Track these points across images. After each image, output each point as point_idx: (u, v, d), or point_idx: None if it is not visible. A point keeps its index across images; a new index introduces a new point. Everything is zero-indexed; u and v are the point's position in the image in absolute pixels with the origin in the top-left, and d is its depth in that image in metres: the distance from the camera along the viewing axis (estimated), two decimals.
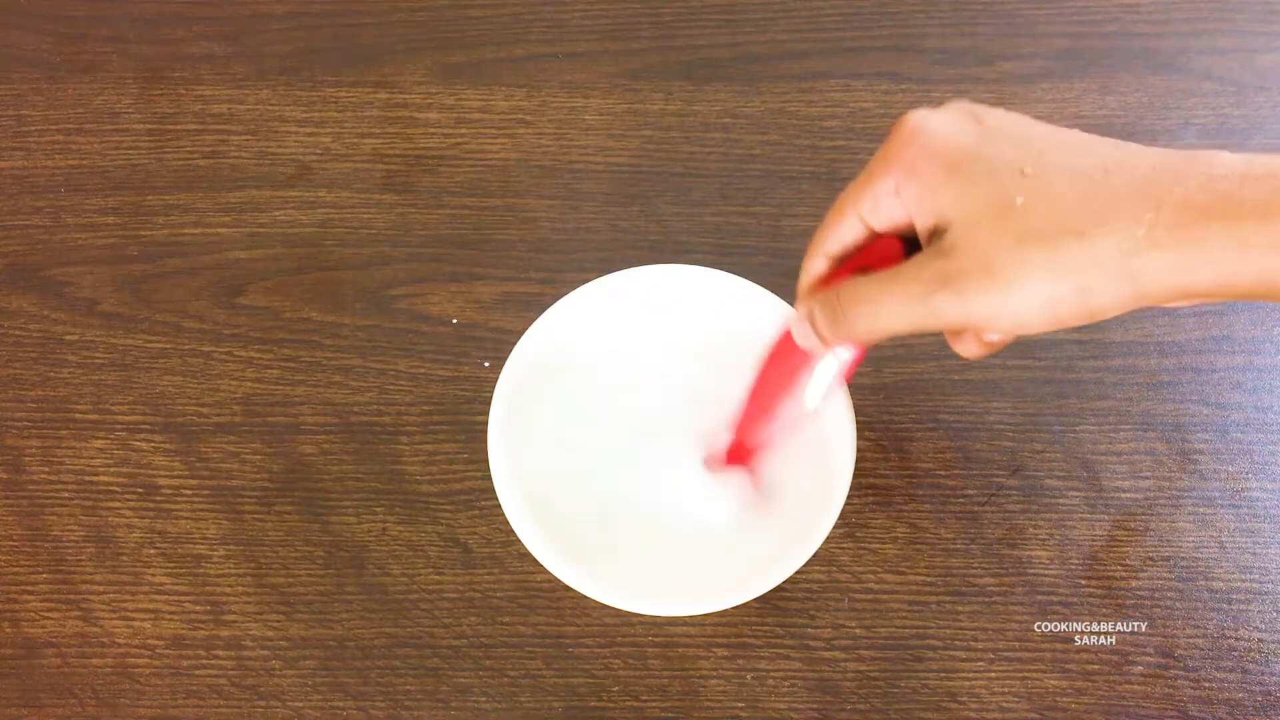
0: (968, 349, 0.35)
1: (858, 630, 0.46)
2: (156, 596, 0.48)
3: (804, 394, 0.38)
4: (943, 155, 0.31)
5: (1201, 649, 0.46)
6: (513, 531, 0.42)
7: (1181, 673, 0.45)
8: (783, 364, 0.38)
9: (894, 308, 0.32)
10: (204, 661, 0.47)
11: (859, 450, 0.42)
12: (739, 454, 0.43)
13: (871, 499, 0.48)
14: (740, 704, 0.46)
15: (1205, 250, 0.28)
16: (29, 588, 0.48)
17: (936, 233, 0.31)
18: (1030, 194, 0.29)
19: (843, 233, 0.34)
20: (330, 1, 0.59)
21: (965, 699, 0.45)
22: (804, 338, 0.36)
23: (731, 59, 0.57)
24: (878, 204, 0.33)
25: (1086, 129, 0.55)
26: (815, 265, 0.36)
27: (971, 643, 0.46)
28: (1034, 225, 0.29)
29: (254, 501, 0.49)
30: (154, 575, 0.48)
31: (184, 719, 0.46)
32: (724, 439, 0.43)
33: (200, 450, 0.50)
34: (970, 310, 0.30)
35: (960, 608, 0.47)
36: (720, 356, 0.44)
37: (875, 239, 0.34)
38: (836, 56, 0.56)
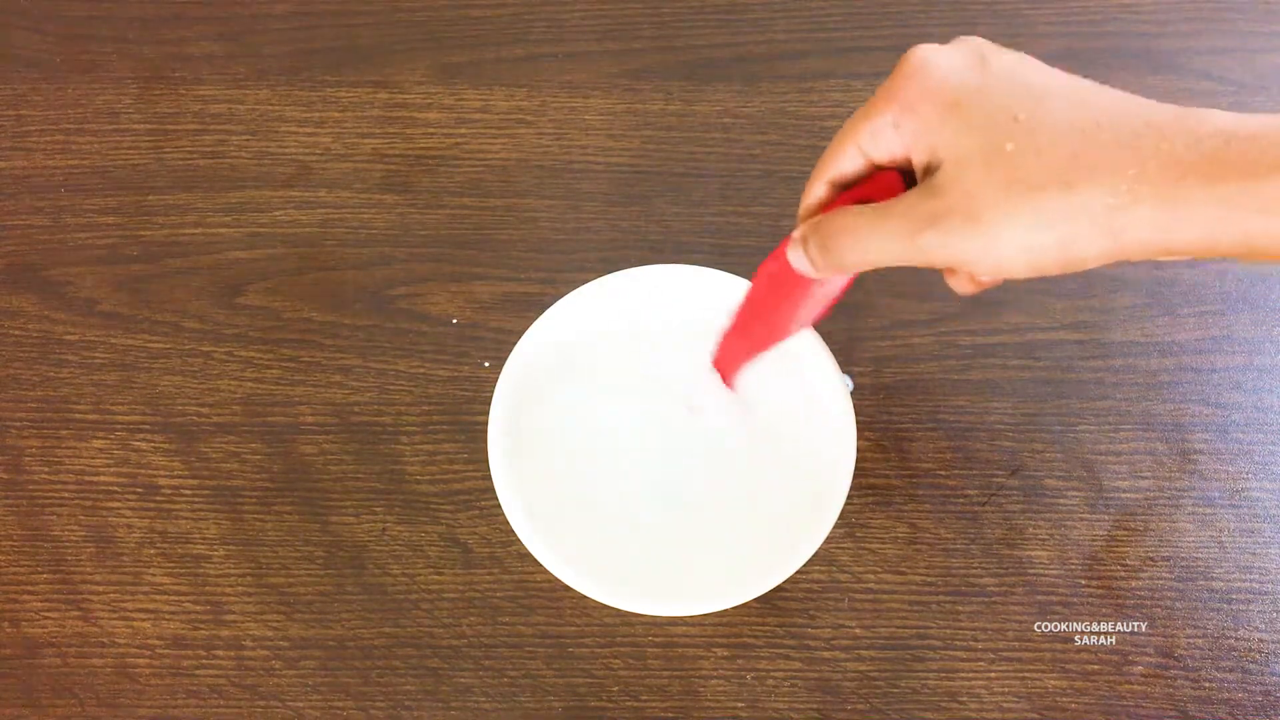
0: (961, 285, 0.36)
1: (858, 630, 0.46)
2: (156, 596, 0.48)
3: (793, 315, 0.39)
4: (942, 94, 0.32)
5: (1201, 649, 0.46)
6: (513, 531, 0.42)
7: (1181, 673, 0.45)
8: (776, 283, 0.39)
9: (881, 241, 0.33)
10: (204, 661, 0.47)
11: (859, 450, 0.42)
12: (724, 363, 0.43)
13: (871, 499, 0.48)
14: (740, 704, 0.46)
15: (1187, 208, 0.28)
16: (29, 588, 0.48)
17: (929, 170, 0.32)
18: (1021, 141, 0.30)
19: (843, 162, 0.35)
20: (330, 1, 0.59)
21: (965, 699, 0.45)
22: (798, 260, 0.37)
23: (731, 59, 0.57)
24: (877, 136, 0.33)
25: None
26: (816, 190, 0.36)
27: (971, 643, 0.46)
28: (1021, 173, 0.30)
29: (254, 501, 0.49)
30: (154, 575, 0.48)
31: (184, 719, 0.46)
32: (713, 348, 0.43)
33: (200, 450, 0.50)
34: (953, 251, 0.31)
35: (960, 608, 0.47)
36: None
37: (876, 171, 0.35)
38: (836, 56, 0.56)
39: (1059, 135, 0.30)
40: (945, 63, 0.32)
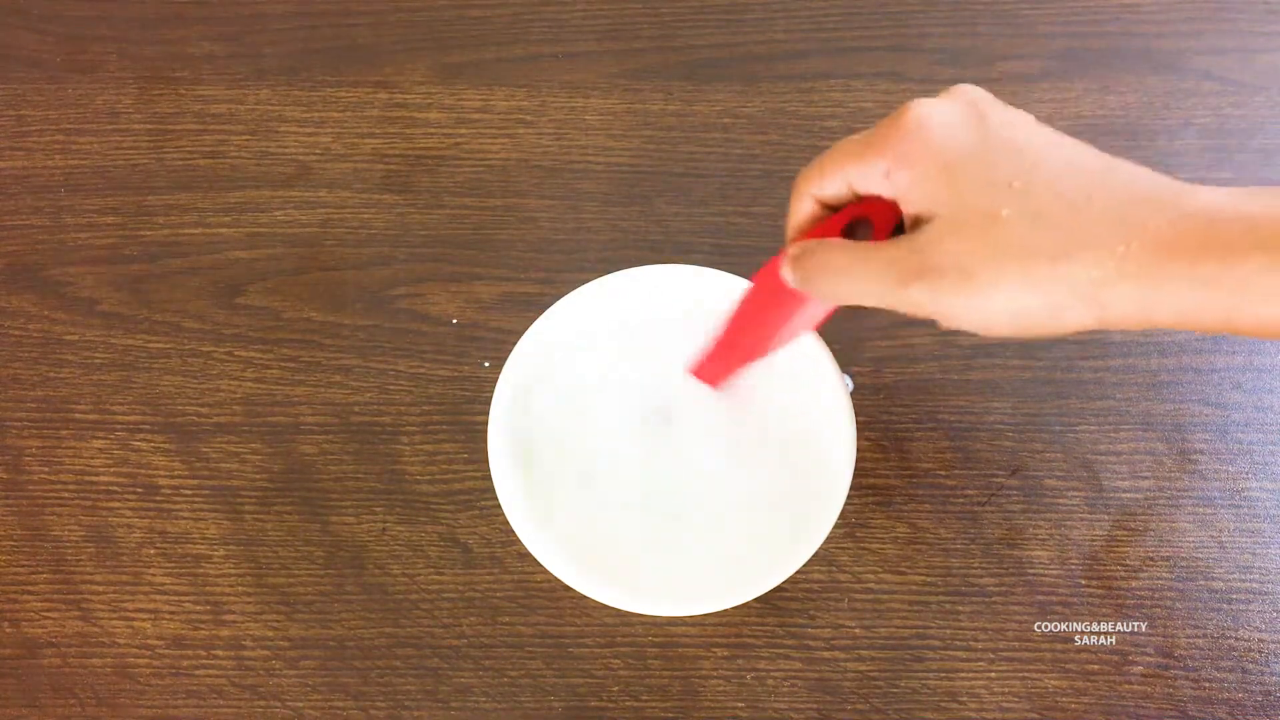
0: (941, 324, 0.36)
1: (858, 630, 0.46)
2: (156, 596, 0.48)
3: (784, 328, 0.39)
4: (942, 153, 0.32)
5: (1201, 649, 0.46)
6: (513, 531, 0.42)
7: (1181, 673, 0.45)
8: (768, 296, 0.39)
9: (868, 285, 0.33)
10: (204, 661, 0.47)
11: (859, 450, 0.42)
12: (708, 372, 0.44)
13: (871, 499, 0.48)
14: (740, 704, 0.46)
15: (1170, 287, 0.29)
16: (29, 588, 0.48)
17: (920, 221, 0.32)
18: (1016, 208, 0.30)
19: (828, 186, 0.36)
20: (330, 1, 0.59)
21: (965, 699, 0.45)
22: (787, 274, 0.37)
23: (731, 59, 0.57)
24: (866, 179, 0.34)
25: (1086, 129, 0.55)
26: (803, 205, 0.37)
27: (971, 643, 0.46)
28: (1014, 240, 0.30)
29: (254, 501, 0.49)
30: (154, 575, 0.48)
31: (184, 719, 0.46)
32: (702, 354, 0.43)
33: (200, 450, 0.50)
34: (941, 306, 0.32)
35: (960, 608, 0.47)
36: None
37: (878, 199, 0.35)
38: (836, 56, 0.56)
39: (1052, 206, 0.30)
40: (945, 119, 0.33)
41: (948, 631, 0.46)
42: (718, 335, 0.42)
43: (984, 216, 0.31)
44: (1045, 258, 0.30)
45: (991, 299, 0.31)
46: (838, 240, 0.35)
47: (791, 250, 0.36)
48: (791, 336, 0.40)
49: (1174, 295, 0.29)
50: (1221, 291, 0.29)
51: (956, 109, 0.33)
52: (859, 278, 0.33)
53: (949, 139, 0.32)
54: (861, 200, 0.36)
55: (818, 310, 0.38)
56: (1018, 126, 0.33)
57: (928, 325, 0.51)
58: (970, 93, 0.34)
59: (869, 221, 0.36)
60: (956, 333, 0.50)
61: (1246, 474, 0.48)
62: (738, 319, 0.41)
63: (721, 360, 0.43)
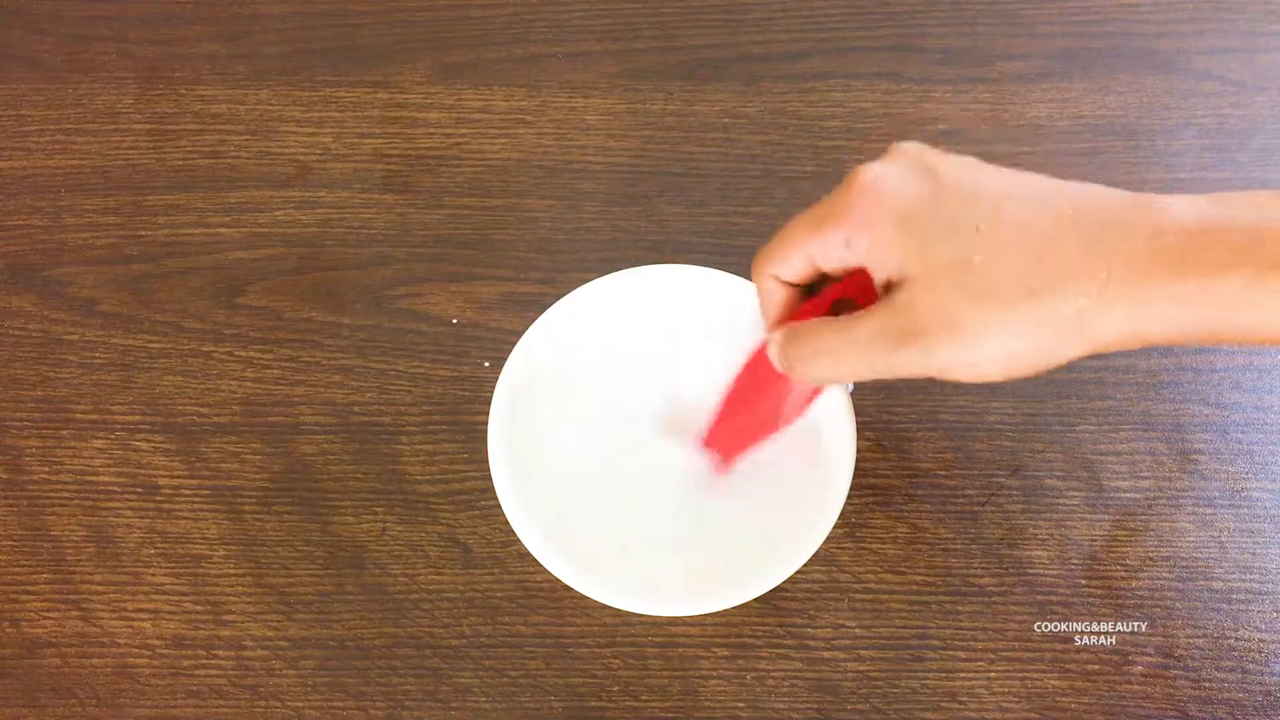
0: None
1: (858, 630, 0.46)
2: (156, 596, 0.48)
3: (777, 409, 0.39)
4: (897, 210, 0.32)
5: (1201, 649, 0.46)
6: (513, 531, 0.42)
7: (1181, 673, 0.45)
8: (760, 379, 0.39)
9: (857, 362, 0.33)
10: (204, 661, 0.47)
11: (859, 450, 0.42)
12: (718, 447, 0.43)
13: (871, 499, 0.48)
14: (740, 704, 0.46)
15: (1153, 307, 0.29)
16: (29, 588, 0.48)
17: (891, 286, 0.32)
18: (986, 252, 0.30)
19: (791, 265, 0.35)
20: (330, 1, 0.59)
21: (965, 699, 0.45)
22: (777, 361, 0.37)
23: (731, 59, 0.57)
24: (827, 252, 0.34)
25: (1086, 129, 0.55)
26: (769, 288, 0.36)
27: (971, 643, 0.46)
28: (991, 284, 0.30)
29: (254, 501, 0.49)
30: (154, 575, 0.48)
31: (184, 719, 0.46)
32: (701, 431, 0.43)
33: (200, 450, 0.50)
34: (932, 364, 0.31)
35: (960, 608, 0.47)
36: (720, 357, 0.44)
37: (854, 272, 0.35)
38: (836, 56, 0.56)
39: (1023, 243, 0.30)
40: (894, 180, 0.32)
41: (948, 631, 0.46)
42: (718, 416, 0.42)
43: (955, 266, 0.30)
44: (1025, 297, 0.30)
45: (979, 347, 0.30)
46: (817, 321, 0.34)
47: (775, 339, 0.36)
48: (796, 413, 0.39)
49: (1159, 315, 0.29)
50: (1205, 308, 0.29)
51: (901, 167, 0.33)
52: (848, 356, 0.33)
53: (903, 195, 0.32)
54: (842, 279, 0.35)
55: (815, 388, 0.38)
56: (968, 171, 0.32)
57: None
58: (912, 149, 0.33)
59: (853, 301, 0.35)
60: None
61: (1246, 474, 0.48)
62: (735, 399, 0.41)
63: (727, 442, 0.43)
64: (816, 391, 0.39)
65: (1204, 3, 0.56)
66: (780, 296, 0.36)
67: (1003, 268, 0.30)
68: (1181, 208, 0.30)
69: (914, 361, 0.32)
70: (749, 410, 0.40)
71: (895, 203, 0.32)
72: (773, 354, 0.36)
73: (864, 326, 0.32)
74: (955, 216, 0.31)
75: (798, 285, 0.36)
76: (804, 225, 0.34)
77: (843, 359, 0.33)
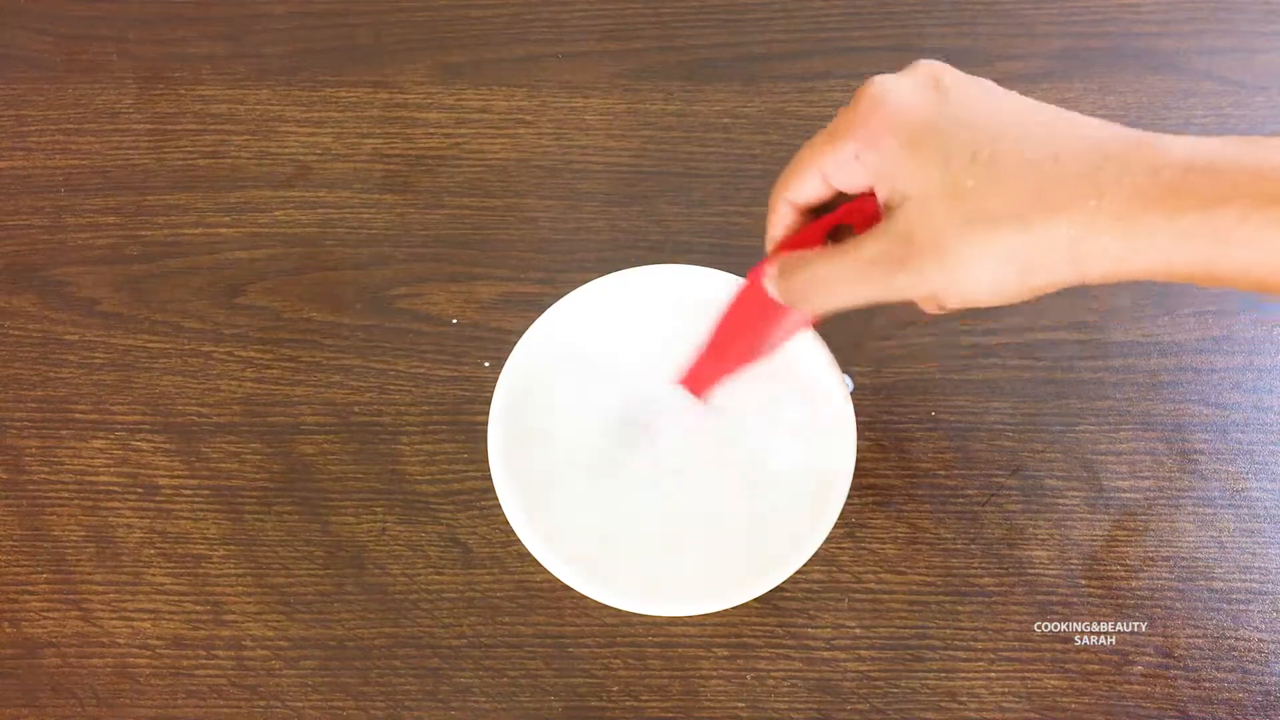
0: (928, 308, 0.37)
1: (858, 630, 0.46)
2: (156, 596, 0.48)
3: (771, 335, 0.40)
4: (903, 128, 0.32)
5: (1201, 649, 0.46)
6: (513, 531, 0.42)
7: (1181, 673, 0.45)
8: (753, 306, 0.39)
9: (854, 288, 0.34)
10: (204, 661, 0.47)
11: (859, 450, 0.42)
12: (697, 381, 0.43)
13: (871, 499, 0.48)
14: (740, 704, 0.46)
15: (1146, 238, 0.29)
16: (29, 588, 0.48)
17: (890, 206, 0.33)
18: (981, 178, 0.30)
19: (805, 186, 0.36)
20: (330, 1, 0.59)
21: (965, 699, 0.45)
22: (773, 290, 0.37)
23: (731, 59, 0.57)
24: (840, 167, 0.34)
25: None
26: (781, 212, 0.37)
27: (971, 643, 0.46)
28: (983, 210, 0.30)
29: (254, 501, 0.49)
30: (154, 575, 0.48)
31: (184, 719, 0.46)
32: (689, 365, 0.43)
33: (200, 450, 0.50)
34: (925, 287, 0.32)
35: (960, 608, 0.47)
36: None
37: (858, 199, 0.35)
38: (836, 56, 0.56)
39: (1019, 171, 0.30)
40: (904, 94, 0.32)
41: (948, 631, 0.46)
42: (705, 345, 0.42)
43: (950, 189, 0.31)
44: (1017, 223, 0.30)
45: (968, 271, 0.31)
46: (816, 250, 0.35)
47: (774, 267, 0.36)
48: (782, 341, 0.40)
49: (1153, 247, 0.29)
50: (1201, 242, 0.28)
51: (914, 82, 0.33)
52: (846, 284, 0.34)
53: (908, 113, 0.32)
54: (838, 207, 0.36)
55: (805, 316, 0.38)
56: (977, 94, 0.32)
57: (928, 325, 0.51)
58: (928, 66, 0.34)
59: (849, 227, 0.36)
60: (957, 333, 0.50)
61: (1246, 474, 0.48)
62: (724, 329, 0.41)
63: (709, 369, 0.43)
64: (803, 320, 0.39)
65: (1204, 3, 0.56)
66: (790, 222, 0.37)
67: (995, 195, 0.30)
68: (1182, 143, 0.29)
69: (908, 285, 0.32)
70: (733, 341, 0.41)
71: (902, 119, 0.32)
72: (769, 285, 0.37)
73: (862, 252, 0.33)
74: (957, 140, 0.31)
75: (808, 213, 0.37)
76: (818, 143, 0.34)
77: (840, 287, 0.34)
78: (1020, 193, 0.30)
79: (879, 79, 0.33)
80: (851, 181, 0.34)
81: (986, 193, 0.30)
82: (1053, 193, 0.30)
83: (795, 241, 0.37)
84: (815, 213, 0.37)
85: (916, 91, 0.32)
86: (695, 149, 0.55)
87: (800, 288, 0.35)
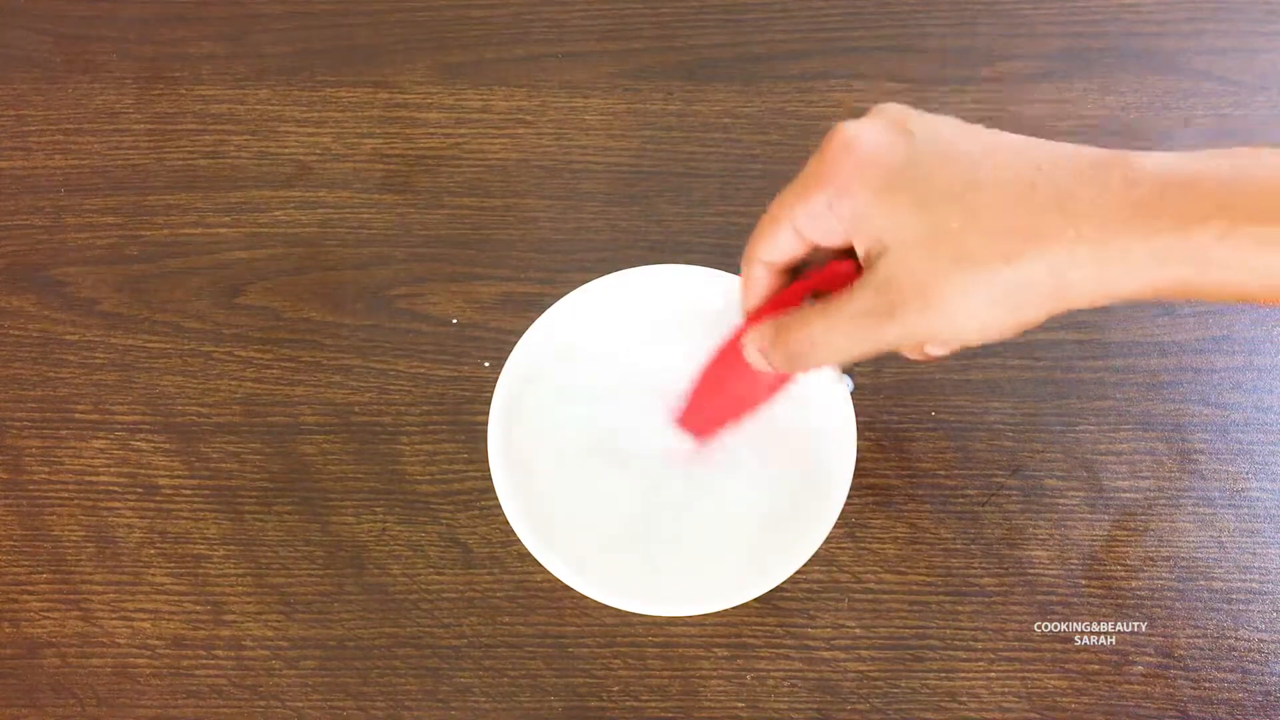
0: (913, 354, 0.37)
1: (858, 630, 0.46)
2: (156, 596, 0.48)
3: (752, 394, 0.40)
4: (874, 176, 0.32)
5: (1201, 649, 0.46)
6: (512, 531, 0.42)
7: (1181, 673, 0.45)
8: (733, 371, 0.39)
9: (842, 344, 0.33)
10: (204, 661, 0.47)
11: (859, 450, 0.42)
12: (693, 426, 0.44)
13: (871, 499, 0.48)
14: (740, 704, 0.46)
15: (1125, 263, 0.29)
16: (29, 588, 0.48)
17: (870, 257, 0.32)
18: (958, 220, 0.30)
19: (780, 243, 0.35)
20: (330, 1, 0.59)
21: (965, 699, 0.45)
22: (758, 361, 0.37)
23: (731, 59, 0.57)
24: (813, 218, 0.33)
25: (1086, 129, 0.55)
26: (757, 275, 0.36)
27: (971, 643, 0.46)
28: (965, 251, 0.30)
29: (254, 501, 0.49)
30: (154, 575, 0.48)
31: (184, 719, 0.46)
32: (676, 412, 0.44)
33: (200, 450, 0.50)
34: (913, 335, 0.32)
35: (960, 608, 0.47)
36: None
37: (827, 262, 0.35)
38: (836, 56, 0.56)
39: (996, 206, 0.30)
40: (872, 139, 0.32)
41: (948, 631, 0.46)
42: (695, 398, 0.42)
43: (929, 234, 0.31)
44: (999, 261, 0.30)
45: (956, 314, 0.31)
46: (806, 309, 0.34)
47: (757, 336, 0.36)
48: (772, 395, 0.40)
49: (1132, 270, 0.29)
50: (1178, 263, 0.28)
51: (879, 126, 0.33)
52: (836, 339, 0.33)
53: (878, 159, 0.32)
54: (812, 269, 0.35)
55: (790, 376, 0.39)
56: (944, 133, 0.32)
57: None
58: (892, 110, 0.33)
59: (826, 294, 0.35)
60: None
61: (1246, 474, 0.48)
62: (710, 387, 0.41)
63: (704, 422, 0.43)
64: (789, 376, 0.39)
65: (1204, 3, 0.56)
66: (765, 285, 0.37)
67: (975, 235, 0.30)
68: (1154, 162, 0.29)
69: (898, 335, 0.32)
70: (722, 394, 0.41)
71: (872, 167, 0.32)
72: (753, 353, 0.37)
73: (849, 307, 0.33)
74: (929, 184, 0.31)
75: (784, 273, 0.36)
76: (787, 194, 0.34)
77: (832, 343, 0.34)
78: (999, 230, 0.30)
79: (844, 125, 0.33)
80: (825, 232, 0.33)
81: (965, 234, 0.30)
82: (1030, 227, 0.29)
83: (772, 306, 0.37)
84: (791, 274, 0.37)
85: (884, 136, 0.32)
86: (695, 149, 0.55)
87: (797, 349, 0.35)
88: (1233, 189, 0.28)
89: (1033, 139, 0.31)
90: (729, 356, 0.39)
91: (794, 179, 0.34)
